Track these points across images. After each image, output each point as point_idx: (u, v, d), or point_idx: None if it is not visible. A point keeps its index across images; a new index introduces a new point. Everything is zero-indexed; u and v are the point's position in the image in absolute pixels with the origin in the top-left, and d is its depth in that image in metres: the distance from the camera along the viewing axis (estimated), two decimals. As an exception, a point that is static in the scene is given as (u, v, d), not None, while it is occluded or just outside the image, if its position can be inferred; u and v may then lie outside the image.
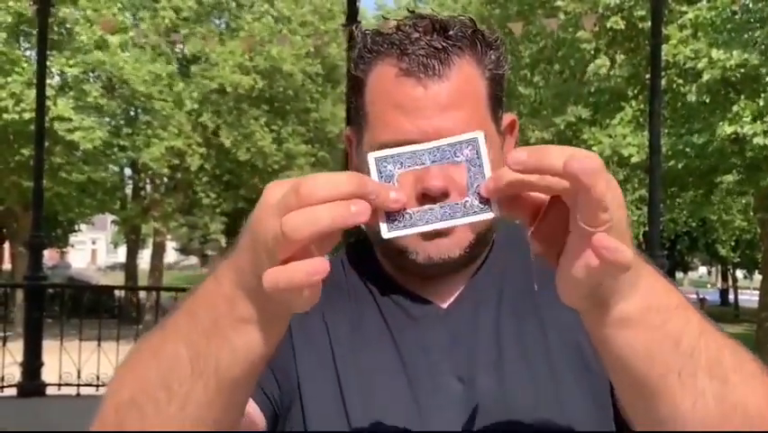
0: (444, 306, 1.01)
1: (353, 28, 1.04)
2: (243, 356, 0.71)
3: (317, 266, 0.63)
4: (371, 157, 0.67)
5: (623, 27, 15.71)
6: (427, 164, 0.67)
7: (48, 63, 17.41)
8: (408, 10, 1.00)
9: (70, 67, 17.19)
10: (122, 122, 20.37)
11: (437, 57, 0.92)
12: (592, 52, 16.48)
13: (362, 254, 1.06)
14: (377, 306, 1.01)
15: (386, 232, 0.66)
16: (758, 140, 13.03)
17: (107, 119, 19.10)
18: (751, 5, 14.26)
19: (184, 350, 0.72)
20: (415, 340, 0.98)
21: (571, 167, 0.61)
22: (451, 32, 0.94)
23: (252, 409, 0.92)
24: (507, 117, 1.03)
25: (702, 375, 0.70)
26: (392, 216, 0.65)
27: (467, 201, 0.66)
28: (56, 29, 17.53)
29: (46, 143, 10.88)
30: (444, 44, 0.93)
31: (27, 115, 14.74)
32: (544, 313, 0.98)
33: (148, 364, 0.75)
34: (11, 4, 15.79)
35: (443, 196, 0.90)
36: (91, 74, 18.93)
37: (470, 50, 0.95)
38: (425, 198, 0.90)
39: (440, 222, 0.66)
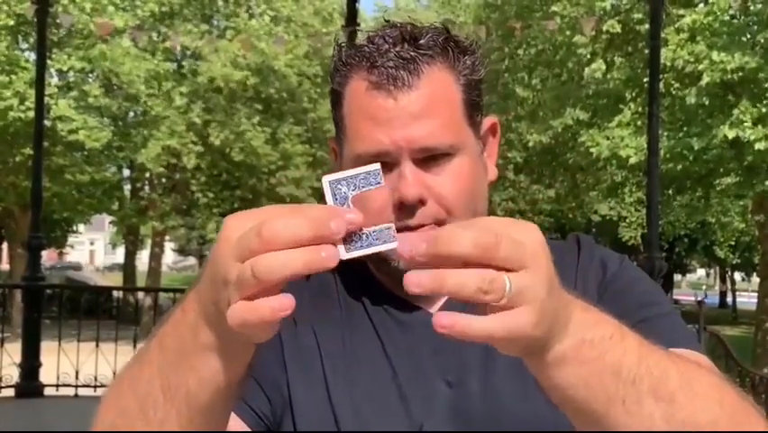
0: (432, 310, 1.01)
1: (333, 39, 1.06)
2: (210, 384, 0.73)
3: (284, 303, 0.64)
4: (325, 180, 0.68)
5: (619, 31, 15.73)
6: (382, 183, 0.69)
7: (49, 62, 17.54)
8: (384, 20, 1.02)
9: (72, 61, 17.23)
10: (120, 122, 20.39)
11: (406, 68, 0.93)
12: (589, 56, 16.49)
13: (353, 262, 1.07)
14: (367, 313, 1.02)
15: (343, 253, 0.67)
16: (759, 145, 13.02)
17: (107, 120, 19.11)
18: (751, 7, 14.28)
19: (156, 379, 0.74)
20: (404, 346, 0.99)
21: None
22: (421, 41, 0.95)
23: (238, 425, 0.94)
24: (488, 121, 1.04)
25: (647, 400, 0.70)
26: (349, 236, 0.66)
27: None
28: (55, 30, 17.57)
29: (46, 144, 10.88)
30: (414, 54, 0.94)
31: (31, 114, 14.78)
32: None
33: (127, 393, 0.78)
34: (12, 6, 15.80)
35: (420, 203, 0.93)
36: (91, 74, 18.95)
37: (441, 57, 0.96)
38: (402, 206, 0.93)
39: (392, 243, 0.67)
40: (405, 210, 0.93)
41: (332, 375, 0.97)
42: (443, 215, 0.95)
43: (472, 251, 0.61)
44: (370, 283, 1.04)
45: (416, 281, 0.62)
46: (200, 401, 0.73)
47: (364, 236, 0.67)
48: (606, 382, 0.69)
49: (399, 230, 0.93)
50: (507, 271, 0.62)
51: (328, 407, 0.96)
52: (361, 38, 1.02)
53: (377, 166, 0.69)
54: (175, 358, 0.73)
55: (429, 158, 0.95)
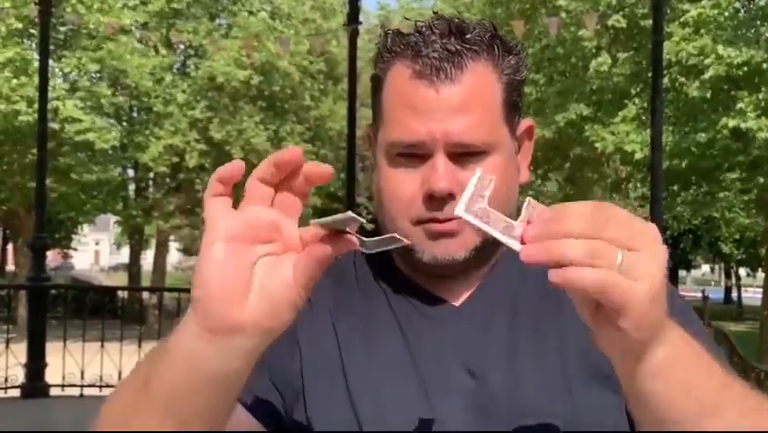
0: (457, 304, 1.00)
1: (380, 28, 1.07)
2: (185, 375, 0.71)
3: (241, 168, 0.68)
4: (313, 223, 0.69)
5: (624, 26, 15.70)
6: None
7: (59, 64, 17.59)
8: (433, 12, 1.02)
9: (83, 65, 17.31)
10: (124, 122, 20.45)
11: (451, 60, 0.93)
12: (594, 51, 16.46)
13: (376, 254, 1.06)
14: (387, 302, 1.01)
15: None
16: (762, 134, 13.02)
17: (112, 120, 19.16)
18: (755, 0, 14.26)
19: (146, 367, 0.77)
20: (426, 336, 0.98)
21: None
22: (468, 36, 0.95)
23: (254, 423, 0.94)
24: (525, 123, 1.03)
25: (731, 411, 0.73)
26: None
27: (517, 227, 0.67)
28: (62, 29, 17.63)
29: (51, 145, 10.88)
30: (459, 47, 0.94)
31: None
32: (561, 315, 0.97)
33: (120, 390, 0.82)
34: (20, 8, 15.85)
35: (450, 197, 0.92)
36: (98, 73, 19.02)
37: (486, 54, 0.96)
38: (431, 199, 0.93)
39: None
40: (434, 202, 0.94)
41: (350, 366, 0.96)
42: None
43: (581, 232, 0.63)
44: (394, 274, 1.04)
45: (525, 253, 0.64)
46: (174, 392, 0.73)
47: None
48: (690, 400, 0.71)
49: (426, 222, 0.95)
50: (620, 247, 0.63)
51: (346, 395, 0.94)
52: (400, 27, 1.02)
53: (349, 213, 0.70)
54: (163, 359, 0.74)
55: (463, 153, 0.94)
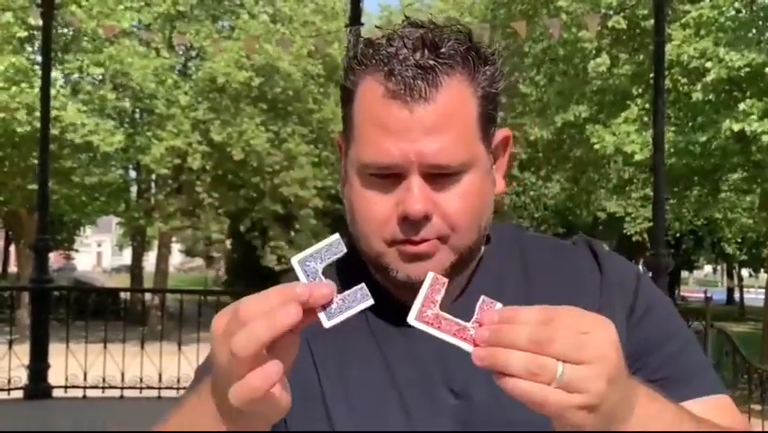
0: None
1: (348, 32, 1.04)
2: None
3: (269, 371, 0.69)
4: (294, 261, 0.75)
5: (625, 27, 15.69)
6: (345, 250, 0.76)
7: (61, 67, 17.59)
8: (405, 16, 0.97)
9: (86, 67, 17.34)
10: (126, 124, 20.47)
11: (425, 78, 0.89)
12: (594, 52, 16.46)
13: (351, 265, 0.99)
14: (366, 320, 0.99)
15: (326, 322, 0.73)
16: (767, 138, 13.01)
17: (112, 123, 19.18)
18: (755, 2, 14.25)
19: None
20: (406, 352, 0.96)
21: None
22: (442, 49, 0.91)
23: None
24: (501, 133, 1.00)
25: None
26: (327, 306, 0.73)
27: (468, 331, 0.74)
28: (63, 30, 17.64)
29: (54, 146, 10.86)
30: (433, 63, 0.90)
31: (39, 125, 14.87)
32: None
33: None
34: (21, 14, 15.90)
35: (425, 219, 0.91)
36: (99, 75, 19.05)
37: (461, 67, 0.92)
38: (406, 221, 0.91)
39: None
40: (409, 224, 0.91)
41: (329, 392, 0.95)
42: (447, 231, 0.92)
43: (527, 345, 0.68)
44: (372, 290, 1.02)
45: (476, 356, 0.71)
46: None
47: (340, 301, 0.74)
48: None
49: (402, 243, 0.95)
50: (565, 361, 0.68)
51: (327, 426, 0.94)
52: (373, 33, 0.99)
53: (337, 236, 0.76)
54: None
55: (439, 174, 0.91)
